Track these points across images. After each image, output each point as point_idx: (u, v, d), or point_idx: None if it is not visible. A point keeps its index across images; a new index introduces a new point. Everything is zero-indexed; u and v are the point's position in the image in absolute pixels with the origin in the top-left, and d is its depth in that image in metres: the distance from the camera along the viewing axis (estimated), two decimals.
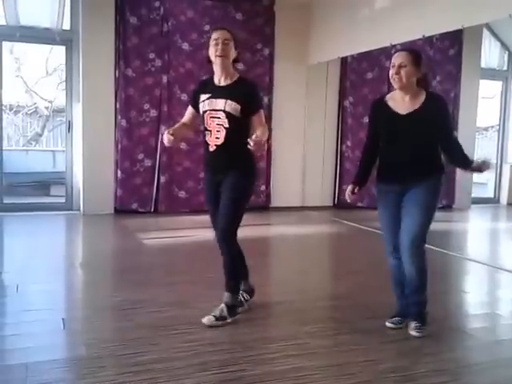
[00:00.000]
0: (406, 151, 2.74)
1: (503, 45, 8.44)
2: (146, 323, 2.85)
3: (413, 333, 2.76)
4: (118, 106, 6.32)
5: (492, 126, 9.42)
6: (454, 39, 7.64)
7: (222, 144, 2.82)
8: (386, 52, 7.19)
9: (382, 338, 2.73)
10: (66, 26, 6.23)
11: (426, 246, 5.17)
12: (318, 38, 6.83)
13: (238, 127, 2.79)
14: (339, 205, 7.32)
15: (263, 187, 6.99)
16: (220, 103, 2.81)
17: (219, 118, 2.81)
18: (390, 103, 2.80)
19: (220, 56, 2.78)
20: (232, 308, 2.90)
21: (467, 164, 2.79)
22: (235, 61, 2.89)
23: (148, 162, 6.48)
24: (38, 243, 4.98)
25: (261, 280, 3.96)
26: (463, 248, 5.69)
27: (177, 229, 5.69)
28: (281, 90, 6.96)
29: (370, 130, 2.95)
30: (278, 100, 6.98)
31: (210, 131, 2.85)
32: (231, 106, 2.78)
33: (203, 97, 2.89)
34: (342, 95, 7.38)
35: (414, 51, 2.80)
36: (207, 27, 6.55)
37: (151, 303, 3.16)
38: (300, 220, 6.56)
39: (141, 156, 6.46)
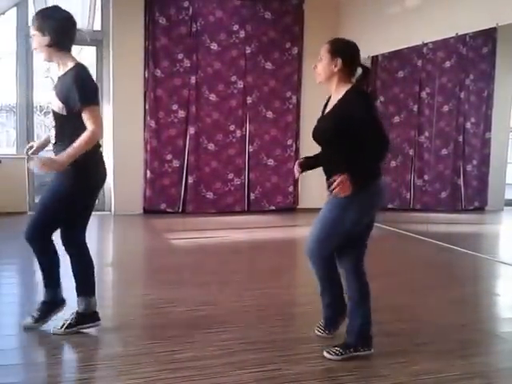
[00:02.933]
0: (324, 158, 2.51)
1: None
2: (180, 322, 2.88)
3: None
4: (147, 106, 6.39)
5: None
6: (488, 37, 7.45)
7: (54, 143, 2.58)
8: (418, 50, 7.09)
9: (414, 340, 2.70)
10: (97, 26, 6.34)
11: (458, 248, 5.11)
12: (347, 37, 6.70)
13: (64, 126, 2.51)
14: None
15: (291, 188, 6.99)
16: (51, 97, 2.55)
17: (50, 114, 2.56)
18: (328, 101, 2.53)
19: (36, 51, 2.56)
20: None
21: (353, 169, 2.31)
22: (53, 46, 2.53)
23: (176, 163, 6.53)
24: None
25: (290, 281, 3.97)
26: (495, 251, 5.57)
27: (205, 229, 5.72)
28: (310, 90, 6.91)
29: None
30: (306, 99, 6.95)
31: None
32: (55, 102, 2.51)
33: None
34: (373, 94, 7.30)
35: (336, 41, 2.49)
36: (236, 27, 6.58)
37: (184, 302, 3.19)
38: None
39: (169, 156, 6.52)
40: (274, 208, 6.93)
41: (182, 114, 6.50)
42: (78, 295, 2.70)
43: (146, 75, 6.35)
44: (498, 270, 4.60)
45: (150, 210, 6.48)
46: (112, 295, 3.56)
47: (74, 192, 2.55)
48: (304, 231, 6.23)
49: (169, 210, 6.52)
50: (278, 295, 3.43)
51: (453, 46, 7.35)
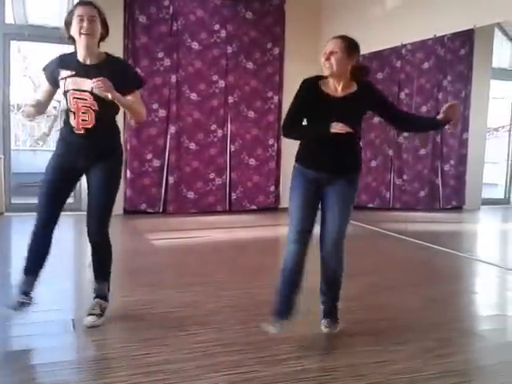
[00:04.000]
0: (341, 137, 2.48)
1: None
2: (157, 324, 2.84)
3: (325, 330, 2.69)
4: None
5: (502, 127, 9.35)
6: (465, 39, 7.57)
7: (93, 128, 2.62)
8: (397, 51, 7.16)
9: (393, 339, 2.71)
10: None
11: (436, 247, 5.19)
12: (328, 38, 6.79)
13: (109, 109, 2.60)
14: None
15: (272, 188, 6.99)
16: (86, 84, 2.57)
17: (86, 99, 2.59)
18: (323, 87, 2.61)
19: (85, 34, 2.56)
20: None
21: (433, 121, 2.63)
22: (102, 39, 2.69)
23: (156, 162, 6.48)
24: None
25: (271, 280, 3.95)
26: (473, 249, 5.66)
27: (186, 229, 5.69)
28: (291, 90, 6.82)
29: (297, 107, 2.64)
30: (287, 100, 6.89)
31: (74, 113, 2.63)
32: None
33: (64, 73, 2.62)
34: None
35: (350, 38, 2.61)
36: (217, 26, 6.56)
37: (162, 304, 3.16)
38: None
39: (149, 156, 6.46)
40: (255, 208, 6.92)
41: (162, 112, 6.45)
42: (100, 281, 2.86)
43: None
44: (476, 268, 4.67)
45: (130, 211, 6.41)
46: (89, 298, 3.49)
47: (121, 167, 2.81)
48: (286, 230, 6.24)
49: (149, 210, 6.47)
50: (258, 295, 3.42)
51: (431, 48, 7.45)
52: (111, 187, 2.76)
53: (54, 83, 2.70)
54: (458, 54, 7.69)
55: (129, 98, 2.62)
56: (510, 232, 7.11)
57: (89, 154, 2.67)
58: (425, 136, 2.80)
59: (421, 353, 2.56)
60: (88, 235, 2.83)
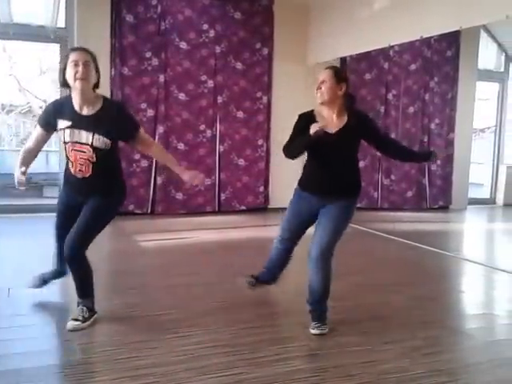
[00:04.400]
0: (335, 167, 2.78)
1: (500, 46, 8.48)
2: (144, 327, 2.82)
3: (314, 331, 2.77)
4: None
5: (488, 128, 9.47)
6: (452, 40, 7.67)
7: (90, 176, 2.69)
8: (385, 53, 7.21)
9: (381, 339, 2.73)
10: (61, 23, 6.17)
11: (424, 246, 5.23)
12: (317, 38, 6.83)
13: (107, 158, 2.67)
14: None
15: (262, 188, 6.99)
16: (85, 137, 2.62)
17: (84, 152, 2.64)
18: (319, 120, 2.79)
19: (80, 79, 2.57)
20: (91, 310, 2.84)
21: (425, 155, 3.17)
22: (96, 86, 2.70)
23: (144, 163, 6.44)
24: (31, 246, 4.91)
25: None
26: (460, 248, 5.71)
27: (174, 231, 5.65)
28: (280, 90, 6.94)
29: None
30: (276, 100, 6.97)
31: (73, 162, 2.69)
32: (99, 140, 2.62)
33: (62, 124, 2.65)
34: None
35: (339, 68, 2.91)
36: (205, 26, 6.54)
37: (150, 306, 3.13)
38: None
39: (137, 156, 6.41)
40: (244, 208, 6.91)
41: (150, 112, 6.41)
42: (83, 298, 2.85)
43: (113, 73, 6.23)
44: (463, 268, 4.72)
45: (117, 212, 6.35)
46: (74, 301, 3.46)
47: (120, 205, 2.93)
48: (275, 230, 6.23)
49: (137, 211, 6.42)
50: (248, 296, 3.41)
51: (418, 50, 7.53)
52: (96, 218, 2.75)
53: (48, 129, 2.74)
54: (444, 55, 7.79)
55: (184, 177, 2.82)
56: (496, 231, 7.20)
57: (86, 192, 2.77)
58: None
59: (409, 352, 2.58)
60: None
